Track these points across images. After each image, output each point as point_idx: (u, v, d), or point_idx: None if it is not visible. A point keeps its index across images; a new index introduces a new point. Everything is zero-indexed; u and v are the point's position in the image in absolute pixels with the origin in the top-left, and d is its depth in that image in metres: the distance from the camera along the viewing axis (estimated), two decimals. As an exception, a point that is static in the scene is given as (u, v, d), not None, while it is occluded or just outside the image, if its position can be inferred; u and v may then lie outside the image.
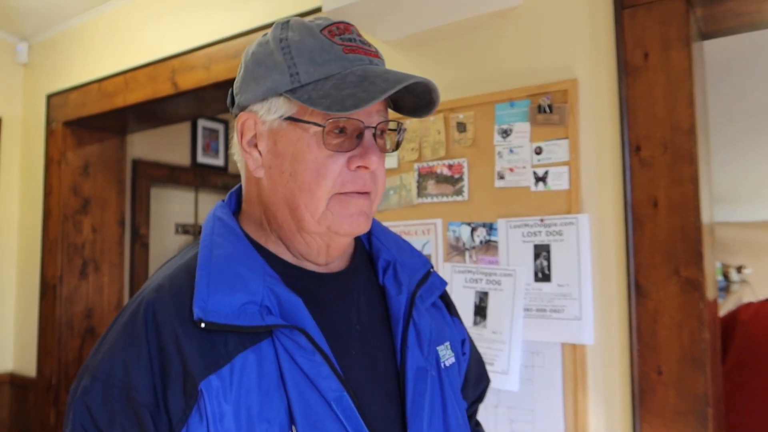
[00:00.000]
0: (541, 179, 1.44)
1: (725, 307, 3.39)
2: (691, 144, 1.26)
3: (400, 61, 1.68)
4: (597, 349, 1.33)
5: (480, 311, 1.47)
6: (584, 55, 1.41)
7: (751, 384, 1.82)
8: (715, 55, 2.05)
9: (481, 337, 1.46)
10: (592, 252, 1.35)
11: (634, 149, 1.32)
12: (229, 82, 2.45)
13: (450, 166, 1.58)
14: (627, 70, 1.35)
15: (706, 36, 1.50)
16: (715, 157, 3.88)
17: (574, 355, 1.34)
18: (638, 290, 1.28)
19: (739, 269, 4.87)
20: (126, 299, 3.06)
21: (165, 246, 3.49)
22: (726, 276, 4.64)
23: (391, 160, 1.69)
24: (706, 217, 1.30)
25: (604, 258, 1.34)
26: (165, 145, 3.37)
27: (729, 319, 1.96)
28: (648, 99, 1.32)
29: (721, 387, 1.33)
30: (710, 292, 1.28)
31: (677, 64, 1.29)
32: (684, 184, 1.26)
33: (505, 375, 1.41)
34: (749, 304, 1.97)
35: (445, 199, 1.58)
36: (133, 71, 2.42)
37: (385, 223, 1.67)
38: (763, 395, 1.79)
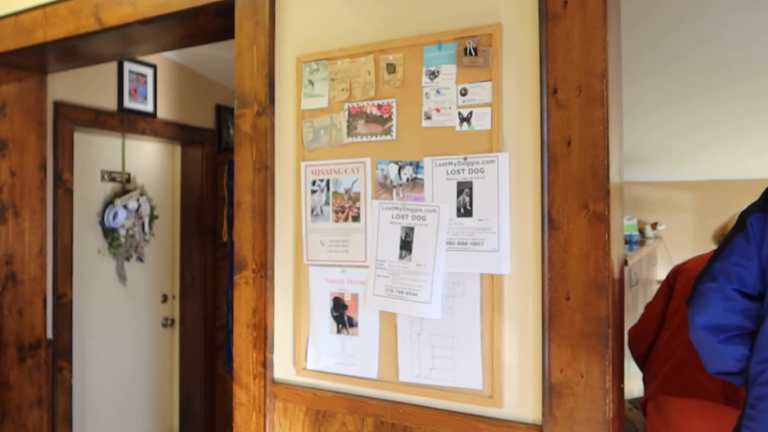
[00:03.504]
0: (465, 120, 1.50)
1: (638, 256, 3.63)
2: (602, 87, 1.35)
3: (335, 3, 1.69)
4: (513, 278, 1.42)
5: (406, 245, 1.54)
6: (509, 1, 1.46)
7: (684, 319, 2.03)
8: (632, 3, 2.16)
9: (406, 270, 1.53)
10: (510, 188, 1.43)
11: (552, 92, 1.39)
12: (158, 19, 2.38)
13: (379, 107, 1.62)
14: (548, 17, 1.41)
15: (623, -14, 1.58)
16: (638, 123, 4.08)
17: (491, 285, 1.44)
18: (551, 223, 1.37)
19: (653, 226, 5.19)
20: (49, 246, 2.97)
21: (91, 193, 3.39)
22: (642, 232, 4.94)
23: (321, 101, 1.71)
24: (614, 156, 1.40)
25: (522, 194, 1.42)
26: (89, 88, 3.23)
27: (677, 268, 2.20)
28: (566, 44, 1.39)
29: (621, 311, 1.46)
30: (615, 225, 1.39)
31: (593, 12, 1.36)
32: (595, 125, 1.35)
33: (427, 304, 1.48)
34: (698, 256, 2.18)
35: (374, 138, 1.62)
36: (53, 5, 2.30)
37: (316, 162, 1.71)
38: (683, 324, 1.99)
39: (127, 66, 3.44)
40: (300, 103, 1.75)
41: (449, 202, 1.49)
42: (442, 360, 1.49)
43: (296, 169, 1.76)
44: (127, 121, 3.39)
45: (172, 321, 3.83)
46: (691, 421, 1.91)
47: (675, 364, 2.02)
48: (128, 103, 3.44)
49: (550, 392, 1.36)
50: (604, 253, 1.31)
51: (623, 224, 1.52)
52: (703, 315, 1.45)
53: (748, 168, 4.90)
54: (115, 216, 3.43)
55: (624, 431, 1.46)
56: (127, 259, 3.57)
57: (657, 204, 5.62)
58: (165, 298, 3.81)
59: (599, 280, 1.31)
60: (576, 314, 1.33)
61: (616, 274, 1.39)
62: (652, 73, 3.23)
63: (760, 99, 3.62)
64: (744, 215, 1.44)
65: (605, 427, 1.30)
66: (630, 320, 3.24)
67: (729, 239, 1.46)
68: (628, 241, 4.02)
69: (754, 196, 1.49)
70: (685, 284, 2.17)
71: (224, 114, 4.01)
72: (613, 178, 1.38)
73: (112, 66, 3.37)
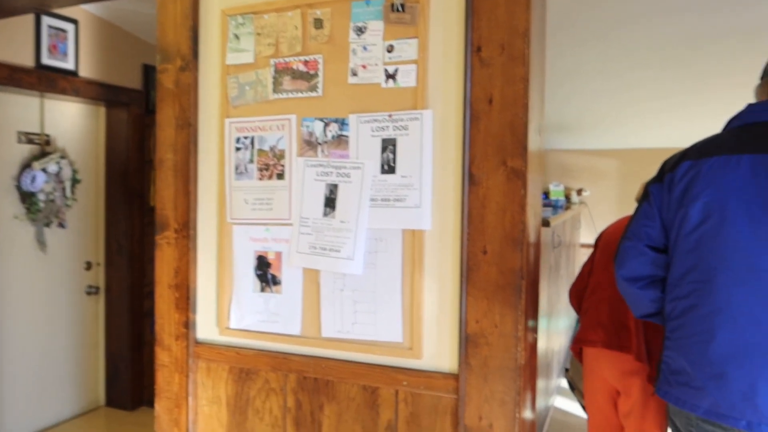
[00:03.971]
0: (391, 76, 1.50)
1: (562, 219, 3.77)
2: (524, 46, 1.37)
3: (257, -50, 1.64)
4: (433, 233, 1.45)
5: (330, 203, 1.54)
6: (436, -44, 1.46)
7: (598, 275, 2.25)
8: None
9: (329, 226, 1.53)
10: (433, 145, 1.45)
11: (476, 49, 1.41)
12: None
13: (306, 62, 1.59)
14: (474, -26, 1.41)
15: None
16: (560, 89, 4.20)
17: (413, 240, 1.46)
18: (471, 179, 1.40)
19: (579, 192, 5.39)
20: (-41, 208, 2.79)
21: (6, 155, 3.20)
22: (568, 197, 5.12)
23: (247, 56, 1.67)
24: (534, 115, 1.43)
25: (444, 151, 1.44)
26: (3, 43, 3.03)
27: (601, 233, 2.43)
28: (491, 2, 1.40)
29: (537, 265, 1.52)
30: (533, 183, 1.43)
31: (517, -29, 1.38)
32: (516, 84, 1.37)
33: (350, 261, 1.49)
34: (617, 221, 2.41)
35: (300, 95, 1.60)
36: (-45, -55, 2.13)
37: (240, 119, 1.67)
38: (600, 278, 2.24)
39: (46, 20, 3.24)
40: (225, 57, 1.70)
41: (373, 159, 1.50)
42: (364, 315, 1.51)
43: (220, 127, 1.72)
44: (45, 79, 3.21)
45: (97, 288, 3.71)
46: (601, 365, 2.18)
47: (588, 318, 2.22)
48: (47, 60, 3.25)
49: (466, 342, 1.40)
50: (520, 208, 1.35)
51: (542, 182, 1.57)
52: (623, 269, 1.66)
53: (667, 137, 5.15)
54: (33, 180, 3.26)
55: (535, 376, 1.53)
56: (47, 224, 3.42)
57: (583, 171, 5.84)
58: (89, 266, 3.68)
59: (514, 234, 1.36)
60: (492, 267, 1.37)
61: (532, 230, 1.44)
62: (581, 45, 3.32)
63: (677, 75, 3.80)
64: (647, 185, 1.65)
65: (517, 373, 1.36)
66: (552, 279, 3.38)
67: (638, 206, 1.68)
68: (555, 206, 4.16)
69: None
70: (602, 247, 2.31)
71: (152, 74, 3.85)
72: (532, 136, 1.42)
73: (29, 20, 3.16)
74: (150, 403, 3.66)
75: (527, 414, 1.50)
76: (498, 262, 1.37)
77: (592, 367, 2.23)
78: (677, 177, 1.54)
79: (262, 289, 1.64)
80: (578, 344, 2.26)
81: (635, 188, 6.06)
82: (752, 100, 1.61)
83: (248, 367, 1.68)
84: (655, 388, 1.61)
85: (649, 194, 1.63)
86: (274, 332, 1.63)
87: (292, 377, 1.62)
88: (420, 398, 1.48)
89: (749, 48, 3.27)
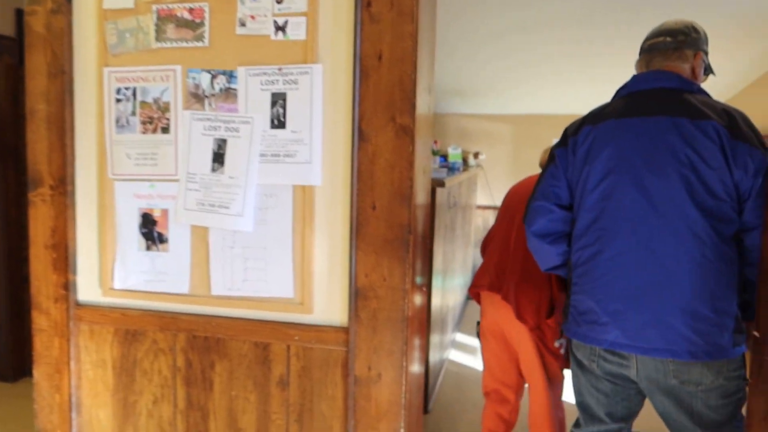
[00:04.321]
0: (280, 28, 1.46)
1: (457, 180, 3.89)
2: (413, 3, 1.38)
3: None
4: (324, 189, 1.45)
5: (218, 158, 1.49)
6: None
7: (495, 226, 2.46)
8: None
9: (218, 183, 1.49)
10: (324, 100, 1.44)
11: (366, 4, 1.40)
12: None
13: (191, 10, 1.52)
14: (365, -73, 1.39)
15: None
16: (456, 53, 4.28)
17: (303, 196, 1.45)
18: (361, 136, 1.40)
19: (476, 155, 5.56)
20: None
21: None
22: (465, 161, 5.27)
23: (126, 1, 1.56)
24: (423, 72, 1.45)
25: (334, 106, 1.43)
26: None
27: (509, 189, 2.57)
28: (381, -43, 1.39)
29: (425, 220, 1.56)
30: (422, 140, 1.46)
31: (408, -75, 1.37)
32: (405, 40, 1.38)
33: (240, 217, 1.47)
34: (522, 180, 2.56)
35: (185, 44, 1.52)
36: None
37: (121, 68, 1.57)
38: (497, 229, 2.42)
39: None
40: (102, 1, 1.59)
41: (263, 113, 1.46)
42: (254, 271, 1.50)
43: (98, 76, 1.61)
44: None
45: (-31, 254, 3.42)
46: (489, 307, 2.37)
47: (482, 265, 2.45)
48: None
49: (356, 296, 1.43)
50: (408, 164, 1.38)
51: (431, 141, 1.60)
52: (534, 226, 1.82)
53: (561, 104, 5.41)
54: None
55: (425, 329, 1.60)
56: None
57: (480, 135, 6.02)
58: (-42, 229, 3.37)
59: (403, 190, 1.38)
60: (381, 222, 1.40)
61: (420, 187, 1.48)
62: (476, 10, 3.39)
63: (565, 47, 3.97)
64: (552, 149, 1.82)
65: (404, 324, 1.41)
66: (448, 238, 3.49)
67: (545, 168, 1.83)
68: (452, 168, 4.27)
69: (562, 131, 1.83)
70: (504, 202, 2.45)
71: (25, 20, 3.52)
72: (421, 95, 1.44)
73: None
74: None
75: (415, 364, 1.56)
76: (387, 218, 1.40)
77: (485, 310, 2.39)
78: (579, 140, 1.70)
79: (148, 248, 1.58)
80: (472, 288, 2.44)
81: (528, 152, 6.37)
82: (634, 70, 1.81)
83: (135, 328, 1.62)
84: (563, 330, 1.79)
85: (555, 157, 1.78)
86: (161, 291, 1.58)
87: (182, 336, 1.58)
88: (311, 352, 1.50)
89: (634, 20, 3.48)
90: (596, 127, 1.66)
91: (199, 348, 1.58)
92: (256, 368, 1.54)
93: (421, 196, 1.49)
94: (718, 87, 4.80)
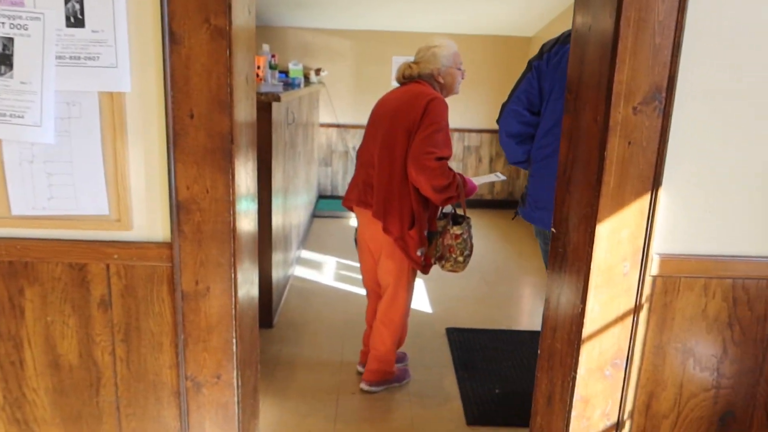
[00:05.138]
0: None
1: (296, 96, 3.82)
2: None
3: None
4: (134, 96, 1.34)
5: (5, 60, 1.31)
6: None
7: (363, 142, 2.59)
8: None
9: (8, 88, 1.31)
10: (128, -3, 1.30)
11: None
12: None
13: None
14: None
15: None
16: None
17: (111, 104, 1.34)
18: (172, 38, 1.30)
19: (317, 72, 5.47)
20: None
21: None
22: (306, 77, 5.17)
23: None
24: (239, -29, 1.36)
25: (140, 4, 1.31)
26: None
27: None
28: None
29: (251, 130, 1.52)
30: (241, 43, 1.39)
31: None
32: (217, -68, 1.28)
33: (38, 128, 1.32)
34: (390, 91, 2.61)
35: None
36: None
37: None
38: (363, 145, 2.55)
39: None
40: None
41: (56, 9, 1.30)
42: (62, 188, 1.37)
43: None
44: None
45: None
46: (359, 219, 2.57)
47: (352, 180, 2.62)
48: None
49: (178, 210, 1.37)
50: (226, 69, 1.32)
51: (254, 46, 1.53)
52: (507, 127, 2.18)
53: (403, 21, 5.42)
54: None
55: (255, 241, 1.59)
56: None
57: (321, 51, 5.87)
58: None
59: (221, 96, 1.32)
60: (200, 132, 1.34)
61: (242, 94, 1.42)
62: None
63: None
64: (530, 61, 2.12)
65: (230, 236, 1.39)
66: (289, 155, 3.45)
67: (522, 77, 2.14)
68: (293, 84, 4.17)
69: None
70: (371, 122, 2.54)
71: None
72: (238, -6, 1.36)
73: None
74: None
75: (248, 275, 1.56)
76: (206, 126, 1.34)
77: (358, 221, 2.59)
78: (552, 55, 2.03)
79: (-72, 166, 1.38)
80: (345, 202, 2.62)
81: (370, 69, 6.37)
82: None
83: None
84: (521, 214, 2.24)
85: (531, 68, 2.09)
86: (-51, 215, 1.40)
87: (-19, 263, 1.43)
88: (133, 270, 1.43)
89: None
90: (565, 45, 1.96)
91: (5, 274, 1.44)
92: (74, 291, 1.45)
93: (244, 105, 1.44)
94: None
